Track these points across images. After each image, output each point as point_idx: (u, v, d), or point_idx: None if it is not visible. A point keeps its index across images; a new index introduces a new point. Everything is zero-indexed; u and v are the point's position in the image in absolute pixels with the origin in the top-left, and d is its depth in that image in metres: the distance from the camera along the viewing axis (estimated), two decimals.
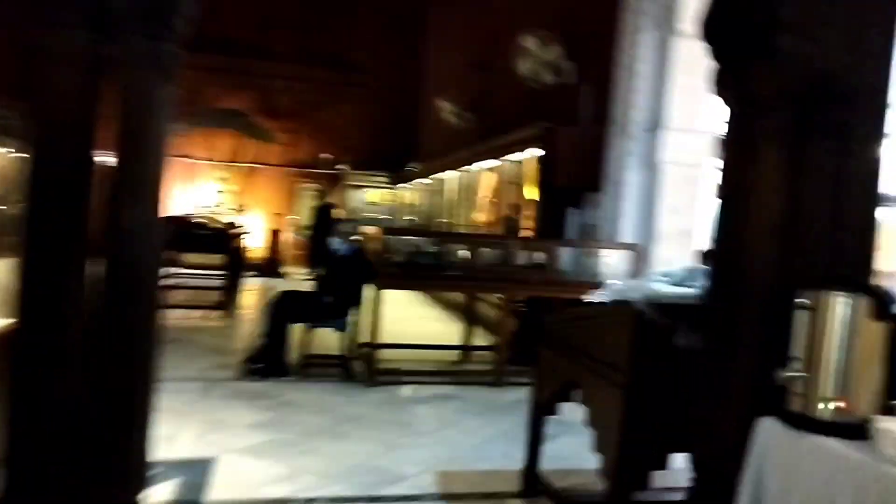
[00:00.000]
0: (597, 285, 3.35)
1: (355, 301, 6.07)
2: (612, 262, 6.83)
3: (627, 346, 2.70)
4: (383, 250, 6.30)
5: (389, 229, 7.66)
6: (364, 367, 6.12)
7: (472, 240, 7.42)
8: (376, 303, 5.93)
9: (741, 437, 2.33)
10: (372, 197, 16.31)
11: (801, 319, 2.18)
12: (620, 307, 2.78)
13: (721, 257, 2.53)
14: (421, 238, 8.37)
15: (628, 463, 2.71)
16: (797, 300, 2.19)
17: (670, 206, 6.38)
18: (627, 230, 6.77)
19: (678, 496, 2.84)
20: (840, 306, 2.11)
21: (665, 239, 6.40)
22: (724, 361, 2.46)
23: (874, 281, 2.45)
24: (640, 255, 6.47)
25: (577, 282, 6.15)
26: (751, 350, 2.37)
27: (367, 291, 6.07)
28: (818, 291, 2.16)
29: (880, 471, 1.88)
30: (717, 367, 2.49)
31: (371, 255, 6.24)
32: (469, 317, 7.50)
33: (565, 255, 7.50)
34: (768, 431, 2.27)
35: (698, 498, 2.61)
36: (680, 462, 2.85)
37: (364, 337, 6.14)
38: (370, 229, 7.04)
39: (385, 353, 6.28)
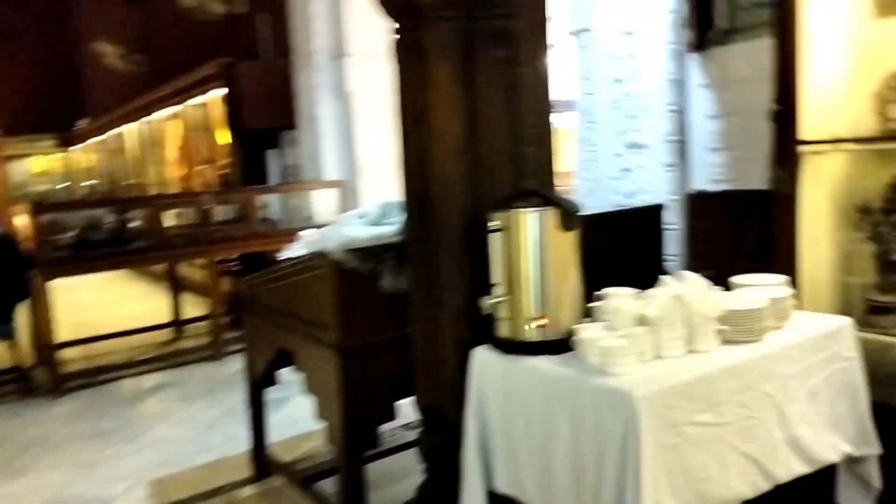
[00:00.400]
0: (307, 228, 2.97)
1: (16, 299, 4.97)
2: (323, 203, 6.53)
3: (332, 302, 2.41)
4: (44, 231, 5.21)
5: (41, 205, 6.36)
6: (48, 376, 5.12)
7: (157, 202, 6.49)
8: (42, 296, 4.92)
9: (459, 371, 2.20)
10: (39, 166, 13.89)
11: (495, 242, 2.06)
12: (317, 260, 2.47)
13: (410, 186, 2.32)
14: (101, 207, 7.19)
15: (354, 427, 2.48)
16: (489, 223, 2.06)
17: (368, 137, 6.19)
18: (331, 166, 6.49)
19: (411, 436, 2.69)
20: (529, 223, 2.02)
21: (369, 171, 6.23)
22: (431, 297, 2.30)
23: (557, 189, 2.44)
24: (347, 191, 6.24)
25: (289, 230, 5.72)
26: (454, 281, 2.22)
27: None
28: (507, 211, 2.05)
29: (588, 382, 1.84)
30: (426, 304, 2.32)
31: (30, 240, 5.13)
32: (175, 287, 6.70)
33: (272, 202, 7.02)
34: (483, 361, 2.16)
35: (427, 439, 2.48)
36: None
37: (44, 339, 5.11)
38: (18, 208, 5.81)
39: (79, 351, 5.34)
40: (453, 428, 2.24)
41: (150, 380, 5.30)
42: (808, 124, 2.62)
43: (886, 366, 2.46)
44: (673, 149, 3.66)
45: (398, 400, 2.68)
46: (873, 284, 2.71)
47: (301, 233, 2.59)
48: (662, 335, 1.93)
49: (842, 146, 2.75)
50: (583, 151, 4.12)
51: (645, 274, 3.25)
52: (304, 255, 2.55)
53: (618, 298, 2.08)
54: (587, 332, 1.97)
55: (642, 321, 1.99)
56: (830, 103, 2.79)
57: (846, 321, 2.19)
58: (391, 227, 2.53)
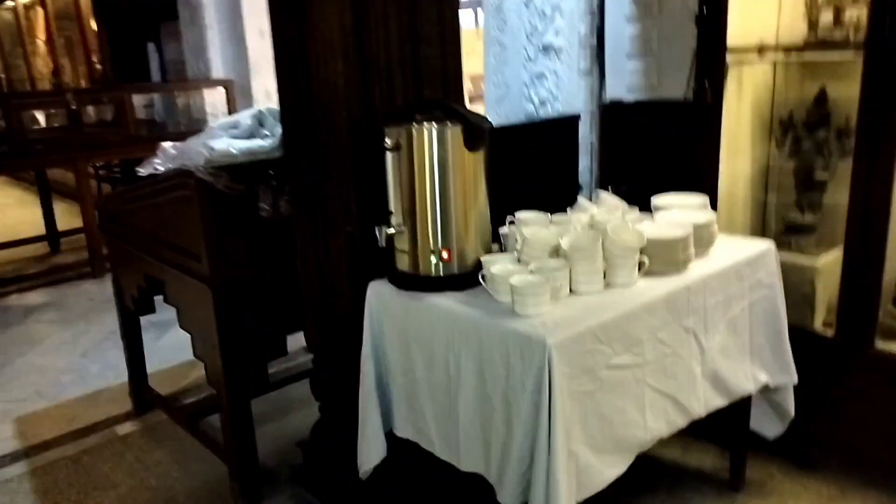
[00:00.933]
0: (195, 133, 2.52)
1: None
2: (211, 104, 5.93)
3: (200, 230, 2.05)
4: None
5: None
6: None
7: (14, 101, 5.63)
8: None
9: (355, 305, 1.94)
10: None
11: (393, 162, 1.76)
12: (179, 179, 2.08)
13: (288, 93, 1.95)
14: None
15: (235, 369, 2.19)
16: (385, 140, 1.74)
17: (259, 29, 5.57)
18: (219, 63, 5.85)
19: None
20: (429, 141, 1.72)
21: (261, 69, 5.65)
22: (320, 224, 1.99)
23: (463, 99, 2.13)
24: (235, 90, 5.66)
25: (178, 134, 5.15)
26: (345, 206, 1.91)
27: None
28: (403, 126, 1.74)
29: (497, 325, 1.62)
30: (314, 232, 2.01)
31: None
32: (46, 196, 6.00)
33: (157, 103, 6.34)
34: (380, 296, 1.90)
35: (320, 378, 2.24)
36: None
37: None
38: None
39: None
40: (348, 366, 2.00)
41: (22, 300, 4.77)
42: (735, 30, 2.39)
43: (803, 286, 2.38)
44: (589, 54, 3.38)
45: (288, 333, 2.40)
46: (792, 202, 2.60)
47: (163, 144, 2.17)
48: (578, 269, 1.71)
49: (769, 55, 2.55)
50: (492, 54, 3.78)
51: (560, 192, 3.06)
52: (165, 173, 2.16)
53: (530, 227, 1.85)
54: (496, 266, 1.73)
55: (556, 252, 1.77)
56: (758, 8, 2.57)
57: (768, 246, 2.05)
58: (268, 141, 2.16)
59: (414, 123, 1.72)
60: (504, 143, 2.58)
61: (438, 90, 1.95)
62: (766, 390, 2.09)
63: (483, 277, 1.74)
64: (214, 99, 5.91)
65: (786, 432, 2.20)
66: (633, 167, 3.07)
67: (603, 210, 1.98)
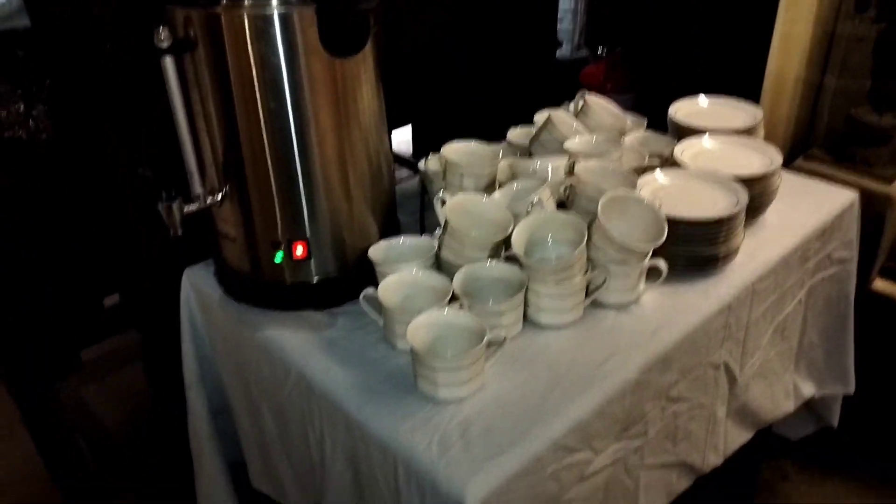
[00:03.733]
0: None
1: None
2: None
3: None
4: None
5: None
6: None
7: None
8: None
9: (167, 286, 1.17)
10: None
11: (171, 78, 0.88)
12: None
13: None
14: None
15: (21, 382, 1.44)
16: (158, 32, 0.85)
17: None
18: None
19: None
20: (249, 38, 0.85)
21: None
22: (98, 157, 1.15)
23: None
24: None
25: None
26: (132, 132, 1.06)
27: None
28: (201, 5, 0.85)
29: (382, 422, 0.88)
30: (91, 170, 1.17)
31: None
32: None
33: None
34: (202, 297, 1.13)
35: (146, 357, 1.52)
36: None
37: None
38: None
39: None
40: (169, 347, 1.26)
41: None
42: None
43: (868, 225, 1.62)
44: None
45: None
46: (864, 92, 1.76)
47: None
48: (541, 290, 0.94)
49: None
50: None
51: (530, 51, 2.13)
52: None
53: (458, 194, 1.03)
54: (391, 281, 0.94)
55: (502, 249, 0.99)
56: None
57: (851, 199, 1.27)
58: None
59: (221, 2, 0.84)
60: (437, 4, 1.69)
61: None
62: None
63: (366, 298, 0.95)
64: None
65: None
66: (634, 12, 2.14)
67: (588, 143, 1.16)
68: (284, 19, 0.84)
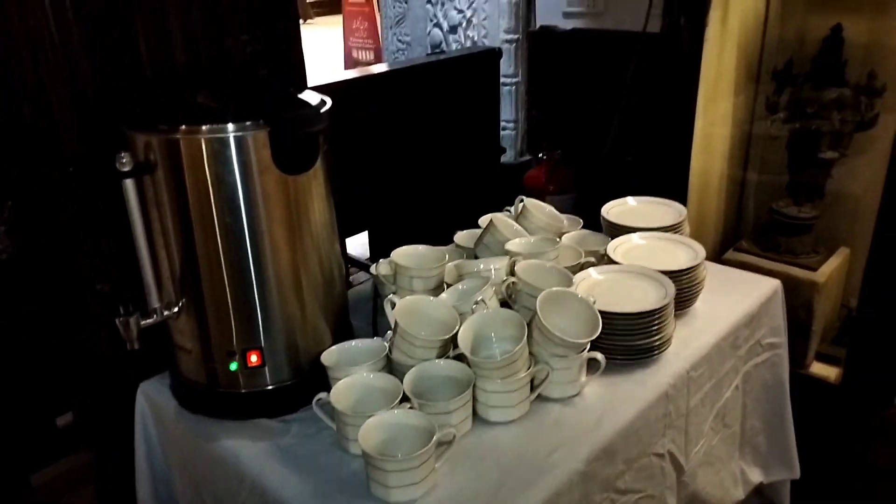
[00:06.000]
0: None
1: None
2: None
3: None
4: None
5: None
6: None
7: None
8: None
9: (122, 402, 1.17)
10: None
11: (131, 198, 0.93)
12: None
13: None
14: None
15: None
16: (120, 157, 0.91)
17: None
18: None
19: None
20: (207, 158, 0.91)
21: None
22: (57, 274, 1.18)
23: (299, 46, 1.29)
24: None
25: None
26: (91, 248, 1.10)
27: None
28: (161, 130, 0.92)
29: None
30: (51, 286, 1.20)
31: None
32: None
33: None
34: (157, 410, 1.14)
35: (99, 477, 1.48)
36: None
37: None
38: None
39: None
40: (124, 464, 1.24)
41: None
42: None
43: (796, 311, 1.73)
44: None
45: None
46: (783, 186, 1.91)
47: None
48: (488, 386, 0.98)
49: None
50: None
51: (475, 158, 2.26)
52: None
53: (408, 298, 1.09)
54: (343, 386, 0.97)
55: (450, 348, 1.03)
56: None
57: (774, 287, 1.36)
58: None
59: (179, 126, 0.90)
60: (398, 87, 1.79)
61: (246, 40, 1.11)
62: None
63: (319, 403, 0.98)
64: None
65: None
66: (572, 120, 2.30)
67: (527, 244, 1.24)
68: (239, 141, 0.91)
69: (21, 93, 1.06)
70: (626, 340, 1.08)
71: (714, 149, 1.87)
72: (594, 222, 1.40)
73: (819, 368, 1.83)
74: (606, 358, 1.04)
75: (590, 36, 2.26)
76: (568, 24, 2.31)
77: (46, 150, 1.07)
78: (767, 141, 1.94)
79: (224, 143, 0.90)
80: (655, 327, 1.08)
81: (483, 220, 1.36)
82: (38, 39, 1.00)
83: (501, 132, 2.43)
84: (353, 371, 0.99)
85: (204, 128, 0.91)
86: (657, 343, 1.10)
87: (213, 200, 0.92)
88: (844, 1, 1.77)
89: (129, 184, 0.90)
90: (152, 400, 1.13)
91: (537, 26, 2.42)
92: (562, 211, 1.40)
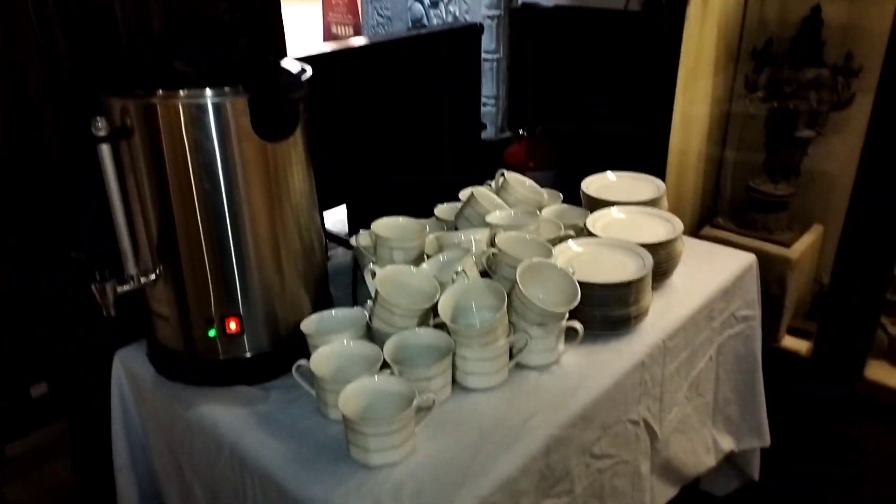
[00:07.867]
0: None
1: None
2: None
3: None
4: None
5: None
6: None
7: None
8: None
9: (98, 371, 1.17)
10: None
11: (107, 163, 0.92)
12: None
13: None
14: None
15: None
16: (95, 122, 0.89)
17: None
18: None
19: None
20: (185, 124, 0.90)
21: None
22: (30, 242, 1.16)
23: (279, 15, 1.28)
24: None
25: None
26: (65, 215, 1.09)
27: None
28: (131, 98, 0.90)
29: (314, 492, 0.90)
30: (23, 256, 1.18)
31: None
32: None
33: None
34: (133, 379, 1.13)
35: (74, 449, 1.48)
36: None
37: None
38: None
39: None
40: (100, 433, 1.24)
41: None
42: None
43: (770, 285, 1.76)
44: None
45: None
46: (760, 164, 1.94)
47: None
48: (468, 353, 0.99)
49: None
50: None
51: (456, 135, 2.25)
52: None
53: (388, 266, 1.09)
54: (323, 353, 0.98)
55: (430, 317, 1.04)
56: None
57: (749, 261, 1.38)
58: None
59: (155, 91, 0.89)
60: (378, 65, 1.79)
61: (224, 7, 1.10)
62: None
63: (298, 370, 0.98)
64: None
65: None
66: (554, 97, 2.30)
67: (508, 217, 1.24)
68: (218, 108, 0.90)
69: None
70: (604, 311, 1.09)
71: (693, 127, 1.88)
72: (574, 199, 1.41)
73: (791, 342, 1.87)
74: (585, 328, 1.06)
75: (572, 13, 2.26)
76: (550, 1, 2.31)
77: (20, 116, 1.05)
78: (746, 119, 1.96)
79: (202, 108, 0.90)
80: (633, 298, 1.10)
81: (464, 194, 1.36)
82: (12, 4, 0.98)
83: (482, 108, 2.43)
84: (332, 338, 1.00)
85: (182, 93, 0.90)
86: (634, 313, 1.11)
87: (190, 167, 0.92)
88: None
89: (105, 149, 0.89)
90: (129, 368, 1.12)
91: (519, 3, 2.41)
92: (542, 187, 1.41)
